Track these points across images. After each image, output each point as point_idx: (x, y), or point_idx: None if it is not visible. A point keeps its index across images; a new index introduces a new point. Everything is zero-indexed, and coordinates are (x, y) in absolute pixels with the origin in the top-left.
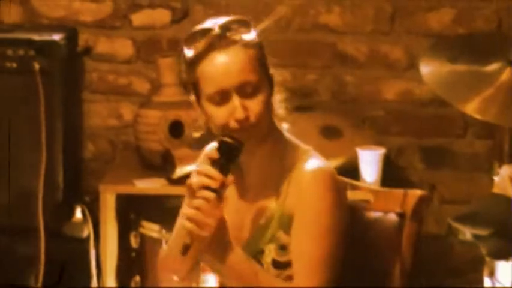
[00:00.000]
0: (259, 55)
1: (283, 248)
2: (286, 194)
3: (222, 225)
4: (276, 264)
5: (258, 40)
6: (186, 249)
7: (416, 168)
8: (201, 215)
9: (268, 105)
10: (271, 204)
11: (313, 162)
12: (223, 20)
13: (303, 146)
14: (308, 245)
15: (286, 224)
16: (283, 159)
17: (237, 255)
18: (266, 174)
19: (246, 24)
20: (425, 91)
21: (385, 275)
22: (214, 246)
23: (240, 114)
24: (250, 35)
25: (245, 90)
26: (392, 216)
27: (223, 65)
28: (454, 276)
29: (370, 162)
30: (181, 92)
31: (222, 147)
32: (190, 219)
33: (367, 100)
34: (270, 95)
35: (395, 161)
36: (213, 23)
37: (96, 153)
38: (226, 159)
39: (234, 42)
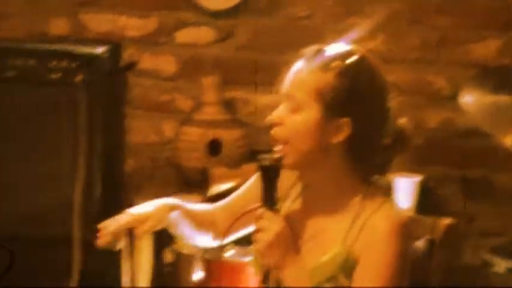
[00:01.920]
0: (333, 88)
1: None
2: (356, 238)
3: (279, 239)
4: None
5: (349, 76)
6: (265, 277)
7: (456, 198)
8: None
9: (307, 131)
10: (337, 245)
11: (391, 212)
12: (333, 45)
13: (384, 191)
14: None
15: (349, 268)
16: (361, 202)
17: (299, 268)
18: (335, 211)
19: (347, 57)
20: (468, 121)
21: None
22: (269, 255)
23: (271, 115)
24: (340, 65)
25: (291, 103)
26: (422, 243)
27: (291, 71)
28: None
29: (405, 190)
30: (222, 111)
31: (261, 170)
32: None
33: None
34: (316, 124)
35: (434, 190)
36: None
37: (136, 168)
38: (268, 181)
39: (316, 61)
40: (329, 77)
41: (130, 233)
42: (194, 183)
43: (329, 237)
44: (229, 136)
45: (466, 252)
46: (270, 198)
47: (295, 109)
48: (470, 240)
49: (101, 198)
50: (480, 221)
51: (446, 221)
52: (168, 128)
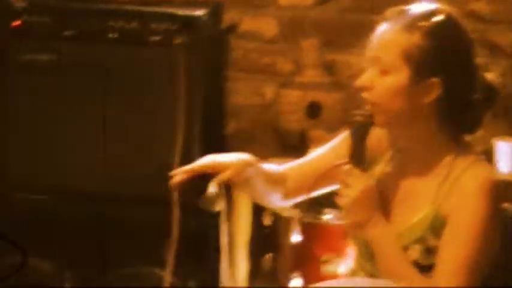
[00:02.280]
0: (420, 48)
1: (428, 251)
2: (446, 197)
3: (360, 201)
4: (416, 266)
5: (436, 37)
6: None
7: None
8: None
9: (397, 93)
10: (427, 205)
11: (481, 171)
12: (419, 4)
13: (475, 152)
14: (456, 249)
15: (438, 227)
16: (452, 162)
17: (385, 227)
18: (425, 172)
19: (433, 16)
20: None
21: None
22: (355, 217)
23: (360, 79)
24: (424, 26)
25: (379, 66)
26: None
27: (376, 34)
28: None
29: (506, 154)
30: (322, 73)
31: (352, 126)
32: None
33: (510, 91)
34: (406, 86)
35: None
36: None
37: (237, 131)
38: (360, 139)
39: (402, 22)
40: (416, 38)
41: (228, 194)
42: (293, 146)
43: (419, 198)
44: (328, 99)
45: None
46: (358, 155)
47: (384, 71)
48: None
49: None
50: None
51: None
52: (269, 91)
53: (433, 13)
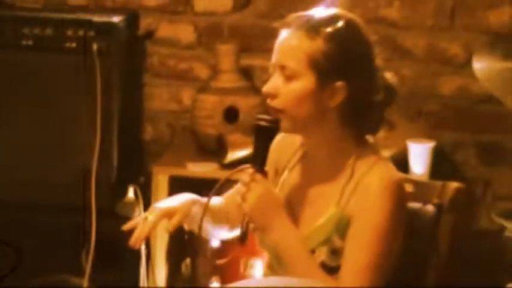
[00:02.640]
0: (324, 54)
1: (334, 252)
2: (349, 198)
3: (259, 208)
4: (324, 268)
5: (338, 41)
6: (243, 236)
7: (471, 164)
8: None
9: (303, 99)
10: (332, 207)
11: (383, 171)
12: (318, 10)
13: (377, 152)
14: (362, 250)
15: (344, 228)
16: (354, 163)
17: (290, 230)
18: (329, 175)
19: (334, 21)
20: (482, 87)
21: (421, 265)
22: (256, 223)
23: (265, 86)
24: (326, 31)
25: (284, 73)
26: (430, 208)
27: (279, 41)
28: (503, 271)
29: (419, 155)
30: (239, 78)
31: (255, 130)
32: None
33: (424, 94)
34: (311, 91)
35: (450, 156)
36: (311, 10)
37: (155, 136)
38: (263, 144)
39: (303, 28)
40: (319, 43)
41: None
42: (211, 150)
43: (325, 201)
44: (245, 103)
45: (481, 217)
46: (260, 160)
47: (289, 78)
48: (485, 205)
49: (118, 166)
50: (495, 185)
51: (455, 185)
52: (186, 96)
53: (334, 18)
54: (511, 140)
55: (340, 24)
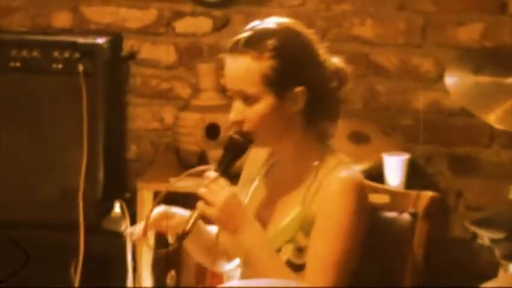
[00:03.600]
0: (274, 69)
1: (300, 250)
2: (313, 198)
3: (226, 210)
4: (290, 265)
5: (282, 52)
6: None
7: (444, 175)
8: (207, 195)
9: (268, 117)
10: (297, 207)
11: (344, 173)
12: (253, 26)
13: (339, 155)
14: (324, 248)
15: (308, 226)
16: (318, 166)
17: (256, 231)
18: (298, 176)
19: (272, 34)
20: (453, 101)
21: (397, 272)
22: (224, 225)
23: (231, 115)
24: (270, 46)
25: (243, 97)
26: (406, 216)
27: (228, 69)
28: (475, 277)
29: (394, 168)
30: (219, 96)
31: (228, 143)
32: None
33: (397, 109)
34: (274, 108)
35: (423, 168)
36: (246, 29)
37: (138, 154)
38: (231, 155)
39: (247, 52)
40: (266, 62)
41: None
42: (193, 166)
43: (290, 202)
44: (226, 120)
45: (454, 226)
46: (226, 166)
47: (250, 102)
48: (458, 215)
49: (104, 183)
50: (468, 195)
51: (428, 194)
52: (168, 115)
53: (271, 32)
54: (482, 151)
55: (278, 36)
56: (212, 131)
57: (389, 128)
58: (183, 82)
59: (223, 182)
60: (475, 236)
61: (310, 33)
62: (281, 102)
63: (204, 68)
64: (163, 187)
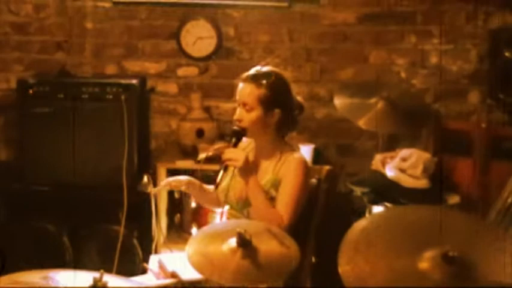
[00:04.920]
0: (266, 95)
1: (272, 199)
2: (280, 168)
3: (246, 163)
4: None
5: (272, 87)
6: (225, 167)
7: (333, 156)
8: (233, 157)
9: (258, 122)
10: (270, 173)
11: (297, 154)
12: (257, 69)
13: (293, 145)
14: (286, 195)
15: (277, 185)
16: (282, 151)
17: (256, 180)
18: (270, 157)
19: (269, 76)
20: (338, 114)
21: (309, 216)
22: (244, 172)
23: (235, 115)
24: (265, 82)
25: (245, 107)
26: (314, 181)
27: (240, 89)
28: (352, 215)
29: (306, 153)
30: (203, 113)
31: (233, 132)
32: (226, 159)
33: (306, 118)
34: (261, 117)
35: (321, 152)
36: (253, 69)
37: (156, 146)
38: (235, 138)
39: (251, 81)
40: (262, 90)
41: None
42: (189, 153)
43: (266, 170)
44: (208, 127)
45: (339, 185)
46: (233, 145)
47: (248, 110)
48: (341, 178)
49: (137, 163)
50: (347, 167)
51: (327, 167)
52: (173, 123)
53: (269, 74)
54: (355, 142)
55: (272, 77)
56: (200, 133)
57: (302, 129)
58: (181, 104)
59: (239, 150)
60: (351, 190)
61: (288, 79)
62: (264, 116)
63: (195, 96)
64: (171, 166)
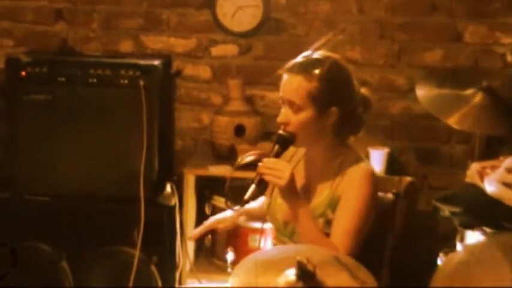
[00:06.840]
0: (319, 90)
1: (328, 222)
2: (339, 183)
3: (291, 182)
4: None
5: (327, 79)
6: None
7: (413, 164)
8: (275, 172)
9: (310, 125)
10: (327, 189)
11: (363, 165)
12: (307, 55)
13: (357, 153)
14: (345, 220)
15: (334, 205)
16: (342, 160)
17: (301, 206)
18: (327, 169)
19: (322, 64)
20: (420, 108)
21: (382, 239)
22: (287, 194)
23: (279, 117)
24: (318, 73)
25: (291, 106)
26: (390, 196)
27: (284, 83)
28: (437, 241)
29: (378, 158)
30: (244, 104)
31: (277, 138)
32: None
33: (378, 113)
34: (313, 118)
35: (397, 158)
36: (302, 56)
37: (183, 147)
38: (280, 146)
39: (299, 72)
40: (314, 83)
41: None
42: (225, 156)
43: (321, 186)
44: (249, 122)
45: (420, 202)
46: (276, 155)
47: (296, 110)
48: (423, 193)
49: (158, 168)
50: (431, 179)
51: (407, 179)
52: (205, 117)
53: (321, 61)
54: (442, 146)
55: (326, 65)
56: (239, 130)
57: (373, 128)
58: (216, 93)
59: (284, 163)
60: (436, 209)
61: (348, 67)
62: (318, 116)
63: (233, 83)
64: (202, 172)
